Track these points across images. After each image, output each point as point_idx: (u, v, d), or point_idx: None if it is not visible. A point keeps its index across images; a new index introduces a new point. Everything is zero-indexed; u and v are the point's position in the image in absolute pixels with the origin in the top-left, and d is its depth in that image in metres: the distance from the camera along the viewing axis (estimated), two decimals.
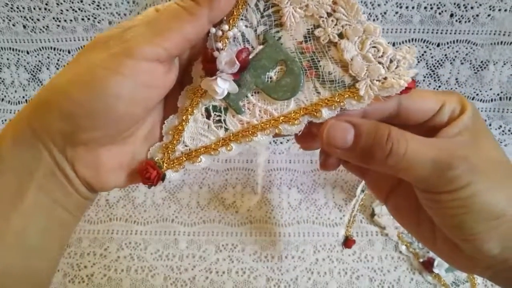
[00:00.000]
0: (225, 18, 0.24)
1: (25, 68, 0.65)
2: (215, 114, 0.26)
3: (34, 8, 0.60)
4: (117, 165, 0.25)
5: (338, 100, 0.24)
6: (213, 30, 0.24)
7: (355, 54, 0.24)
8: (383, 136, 0.23)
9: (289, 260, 0.52)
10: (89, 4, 0.59)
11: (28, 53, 0.64)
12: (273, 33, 0.25)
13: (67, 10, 0.60)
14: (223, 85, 0.24)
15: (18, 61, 0.65)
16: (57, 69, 0.64)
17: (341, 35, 0.24)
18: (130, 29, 0.22)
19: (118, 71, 0.21)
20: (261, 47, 0.25)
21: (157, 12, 0.23)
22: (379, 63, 0.24)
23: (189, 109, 0.26)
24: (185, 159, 0.26)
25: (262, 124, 0.26)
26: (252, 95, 0.26)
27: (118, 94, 0.21)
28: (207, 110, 0.26)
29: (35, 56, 0.64)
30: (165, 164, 0.26)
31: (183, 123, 0.26)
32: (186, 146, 0.26)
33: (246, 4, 0.24)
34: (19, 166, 0.22)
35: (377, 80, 0.24)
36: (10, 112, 0.67)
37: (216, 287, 0.49)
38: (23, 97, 0.67)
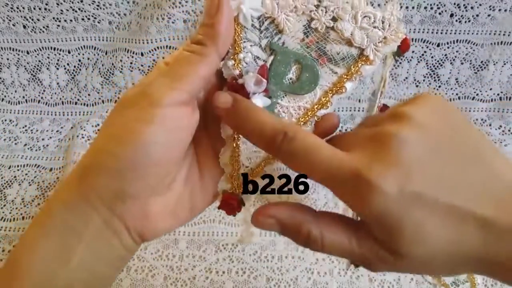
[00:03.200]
0: (230, 48, 0.27)
1: (25, 68, 0.65)
2: None
3: (34, 8, 0.60)
4: (164, 211, 0.26)
5: (355, 70, 0.28)
6: (229, 63, 0.27)
7: (352, 29, 0.27)
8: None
9: (289, 260, 0.51)
10: (89, 4, 0.59)
11: (28, 53, 0.64)
12: (276, 41, 0.27)
13: (67, 10, 0.60)
14: (259, 104, 0.27)
15: (18, 61, 0.65)
16: (57, 69, 0.64)
17: (334, 19, 0.27)
18: (150, 84, 0.24)
19: (149, 121, 0.23)
20: (271, 57, 0.27)
21: (167, 64, 0.25)
22: (375, 27, 0.27)
23: (235, 135, 0.28)
24: (251, 178, 0.29)
25: (302, 119, 0.28)
26: (282, 100, 0.28)
27: (154, 142, 0.23)
28: None
29: (35, 56, 0.64)
30: (238, 190, 0.28)
31: (236, 150, 0.28)
32: (246, 167, 0.29)
33: (243, 28, 0.27)
34: (69, 228, 0.24)
35: (379, 42, 0.27)
36: (10, 112, 0.67)
37: (216, 287, 0.49)
38: (23, 97, 0.67)
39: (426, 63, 0.60)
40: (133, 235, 0.25)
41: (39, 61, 0.65)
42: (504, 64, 0.60)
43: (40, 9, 0.60)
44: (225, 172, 0.29)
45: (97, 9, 0.59)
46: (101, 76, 0.65)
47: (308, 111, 0.28)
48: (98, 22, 0.61)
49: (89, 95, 0.66)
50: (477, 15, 0.57)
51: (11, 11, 0.60)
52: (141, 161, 0.23)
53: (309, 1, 0.26)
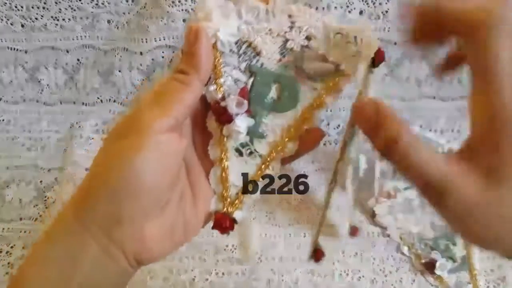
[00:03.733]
0: (211, 73, 0.28)
1: (23, 68, 0.65)
2: (245, 149, 0.29)
3: (32, 7, 0.60)
4: (160, 234, 0.27)
5: (333, 85, 0.29)
6: (210, 88, 0.28)
7: (326, 46, 0.28)
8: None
9: (290, 261, 0.51)
10: (88, 3, 0.59)
11: (26, 52, 0.63)
12: (255, 63, 0.29)
13: (65, 9, 0.59)
14: (242, 124, 0.28)
15: (16, 60, 0.64)
16: (56, 68, 0.64)
17: (308, 38, 0.28)
18: (139, 112, 0.26)
19: (139, 148, 0.24)
20: (252, 79, 0.29)
21: (155, 93, 0.26)
22: (348, 43, 0.28)
23: (223, 157, 0.29)
24: (242, 195, 0.29)
25: (286, 136, 0.29)
26: (265, 119, 0.29)
27: (145, 168, 0.24)
28: (237, 150, 0.29)
29: (34, 56, 0.64)
30: (230, 209, 0.29)
31: (225, 171, 0.29)
32: (236, 186, 0.29)
33: (222, 53, 0.28)
34: (68, 256, 0.25)
35: (352, 56, 0.28)
36: (9, 112, 0.66)
37: None
38: (21, 96, 0.66)
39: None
40: (130, 260, 0.26)
41: (38, 60, 0.64)
42: None
43: (38, 8, 0.60)
44: (216, 192, 0.30)
45: (96, 8, 0.59)
46: (100, 76, 0.64)
47: (291, 127, 0.29)
48: (97, 21, 0.60)
49: (87, 95, 0.65)
50: None
51: (9, 10, 0.60)
52: (135, 188, 0.24)
53: (282, 23, 0.28)
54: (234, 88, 0.29)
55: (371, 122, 0.23)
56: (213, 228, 0.29)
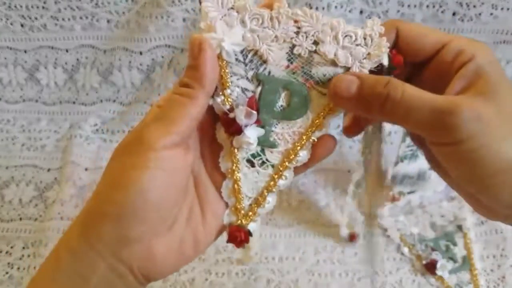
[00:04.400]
0: (218, 84, 0.27)
1: (23, 67, 0.65)
2: (257, 160, 0.29)
3: (31, 7, 0.60)
4: (169, 252, 0.27)
5: None
6: (218, 100, 0.28)
7: (335, 50, 0.27)
8: (382, 83, 0.25)
9: (290, 261, 0.51)
10: (87, 3, 0.59)
11: (25, 52, 0.63)
12: (262, 71, 0.28)
13: (65, 8, 0.59)
14: (253, 135, 0.28)
15: (15, 60, 0.64)
16: (55, 68, 0.64)
17: (315, 43, 0.27)
18: (144, 129, 0.25)
19: (145, 166, 0.24)
20: (259, 87, 0.28)
21: (160, 108, 0.26)
22: (357, 45, 0.27)
23: (234, 169, 0.29)
24: (255, 207, 0.29)
25: (298, 144, 0.29)
26: (275, 128, 0.29)
27: (151, 187, 0.24)
28: (248, 161, 0.29)
29: (33, 55, 0.64)
30: (244, 221, 0.29)
31: (237, 182, 0.29)
32: (250, 197, 0.29)
33: (228, 63, 0.28)
34: (76, 275, 0.25)
35: (363, 59, 0.27)
36: (8, 112, 0.66)
37: None
38: (21, 96, 0.66)
39: None
40: (138, 277, 0.26)
41: (37, 60, 0.64)
42: (507, 63, 0.59)
43: (38, 7, 0.60)
44: (229, 205, 0.29)
45: (96, 7, 0.59)
46: (100, 75, 0.64)
47: (303, 135, 0.29)
48: (97, 21, 0.60)
49: (87, 94, 0.65)
50: (480, 14, 0.56)
51: (9, 10, 0.60)
52: (141, 206, 0.24)
53: (288, 29, 0.27)
54: (242, 98, 0.28)
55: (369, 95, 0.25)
56: (228, 241, 0.29)
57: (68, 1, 0.58)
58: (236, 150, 0.28)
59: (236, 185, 0.29)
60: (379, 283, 0.49)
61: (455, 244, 0.52)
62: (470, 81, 0.24)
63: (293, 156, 0.29)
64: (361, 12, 0.57)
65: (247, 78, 0.28)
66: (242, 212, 0.29)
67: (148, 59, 0.62)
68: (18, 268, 0.50)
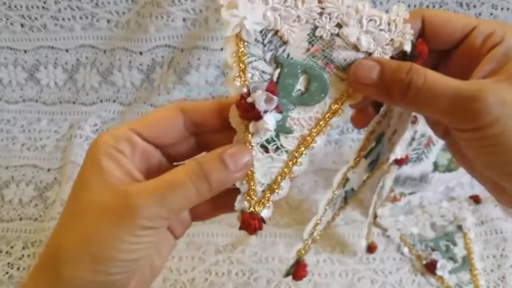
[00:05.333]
0: (235, 64, 0.26)
1: (23, 67, 0.65)
2: (271, 146, 0.28)
3: (31, 7, 0.60)
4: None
5: None
6: (236, 83, 0.26)
7: (358, 33, 0.26)
8: (404, 69, 0.24)
9: (290, 261, 0.51)
10: (87, 3, 0.59)
11: (25, 52, 0.63)
12: (281, 53, 0.26)
13: (65, 8, 0.59)
14: (272, 121, 0.26)
15: (15, 60, 0.64)
16: (55, 68, 0.64)
17: (339, 25, 0.26)
18: (138, 197, 0.24)
19: (128, 241, 0.24)
20: (278, 70, 0.27)
21: (163, 182, 0.25)
22: (381, 30, 0.26)
23: None
24: (268, 193, 0.28)
25: (314, 130, 0.28)
26: (292, 113, 0.27)
27: (129, 258, 0.24)
28: (262, 146, 0.28)
29: (33, 55, 0.64)
30: (256, 208, 0.28)
31: (251, 169, 0.28)
32: (263, 184, 0.28)
33: (245, 43, 0.26)
34: None
35: (386, 45, 0.26)
36: (8, 112, 0.66)
37: None
38: (21, 96, 0.66)
39: None
40: None
41: (37, 60, 0.64)
42: None
43: (37, 7, 0.60)
44: (241, 191, 0.28)
45: (96, 7, 0.59)
46: (100, 75, 0.64)
47: (320, 120, 0.28)
48: (97, 21, 0.60)
49: (87, 94, 0.65)
50: (480, 14, 0.56)
51: (9, 10, 0.60)
52: (122, 275, 0.24)
53: (311, 9, 0.26)
54: (260, 80, 0.27)
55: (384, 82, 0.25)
56: (240, 228, 0.28)
57: (68, 1, 0.58)
58: (250, 136, 0.27)
59: (249, 171, 0.28)
60: (379, 283, 0.49)
61: (455, 244, 0.52)
62: (499, 64, 0.23)
63: (309, 142, 0.28)
64: None
65: (265, 59, 0.27)
66: (255, 198, 0.28)
67: (148, 59, 0.62)
68: (18, 268, 0.50)
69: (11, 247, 0.52)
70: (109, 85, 0.64)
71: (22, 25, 0.61)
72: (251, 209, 0.28)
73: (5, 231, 0.53)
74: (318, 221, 0.34)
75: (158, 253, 0.28)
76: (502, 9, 0.56)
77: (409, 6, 0.56)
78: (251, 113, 0.26)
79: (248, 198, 0.28)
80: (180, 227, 0.28)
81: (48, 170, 0.60)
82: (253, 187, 0.28)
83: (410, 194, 0.56)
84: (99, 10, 0.59)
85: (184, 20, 0.59)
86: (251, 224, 0.27)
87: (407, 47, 0.26)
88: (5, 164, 0.61)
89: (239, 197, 0.28)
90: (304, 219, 0.55)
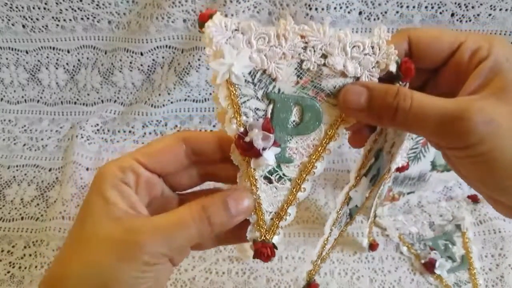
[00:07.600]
0: (229, 107, 0.27)
1: (24, 68, 0.65)
2: (274, 176, 0.29)
3: (33, 8, 0.60)
4: None
5: None
6: (232, 126, 0.27)
7: (343, 61, 0.27)
8: (391, 93, 0.25)
9: (289, 260, 0.51)
10: (89, 4, 0.59)
11: (27, 52, 0.64)
12: (272, 89, 0.27)
13: (66, 9, 0.60)
14: (271, 157, 0.28)
15: (17, 60, 0.65)
16: (56, 68, 0.64)
17: (324, 56, 0.27)
18: (143, 234, 0.25)
19: (133, 276, 0.24)
20: (271, 106, 0.28)
21: (168, 221, 0.26)
22: (365, 54, 0.27)
23: (253, 188, 0.29)
24: (277, 221, 0.29)
25: (313, 156, 0.29)
26: (289, 143, 0.29)
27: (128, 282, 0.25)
28: (265, 177, 0.29)
29: (34, 56, 0.64)
30: (267, 236, 0.29)
31: (257, 200, 0.29)
32: (270, 212, 0.29)
33: (236, 85, 0.27)
34: None
35: (372, 68, 0.27)
36: (9, 112, 0.67)
37: (216, 287, 0.49)
38: (22, 97, 0.67)
39: None
40: None
41: (38, 60, 0.64)
42: None
43: (39, 8, 0.60)
44: (250, 222, 0.29)
45: (97, 8, 0.59)
46: (101, 76, 0.64)
47: (318, 147, 0.29)
48: (98, 22, 0.61)
49: (88, 95, 0.66)
50: (478, 15, 0.56)
51: (10, 11, 0.60)
52: None
53: (296, 45, 0.26)
54: (255, 118, 0.28)
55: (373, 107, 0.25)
56: (254, 257, 0.29)
57: (70, 2, 0.59)
58: (253, 170, 0.28)
59: (256, 203, 0.29)
60: (378, 282, 0.49)
61: (453, 244, 0.52)
62: (486, 79, 0.24)
63: (310, 168, 0.29)
64: (360, 13, 0.57)
65: (257, 97, 0.28)
66: (265, 227, 0.29)
67: (149, 59, 0.62)
68: (20, 267, 0.50)
69: (13, 246, 0.52)
70: (110, 85, 0.65)
71: (23, 26, 0.62)
72: (263, 237, 0.29)
73: (7, 231, 0.54)
74: (325, 242, 0.35)
75: (157, 282, 0.29)
76: (500, 9, 0.56)
77: (407, 7, 0.56)
78: (250, 151, 0.27)
79: (258, 227, 0.29)
80: (179, 256, 0.29)
81: (50, 170, 0.60)
82: (261, 217, 0.29)
83: (408, 193, 0.56)
84: (100, 11, 0.59)
85: (184, 21, 0.59)
86: (264, 252, 0.29)
87: (393, 68, 0.26)
88: (7, 164, 0.61)
89: (250, 228, 0.29)
90: (304, 218, 0.56)
